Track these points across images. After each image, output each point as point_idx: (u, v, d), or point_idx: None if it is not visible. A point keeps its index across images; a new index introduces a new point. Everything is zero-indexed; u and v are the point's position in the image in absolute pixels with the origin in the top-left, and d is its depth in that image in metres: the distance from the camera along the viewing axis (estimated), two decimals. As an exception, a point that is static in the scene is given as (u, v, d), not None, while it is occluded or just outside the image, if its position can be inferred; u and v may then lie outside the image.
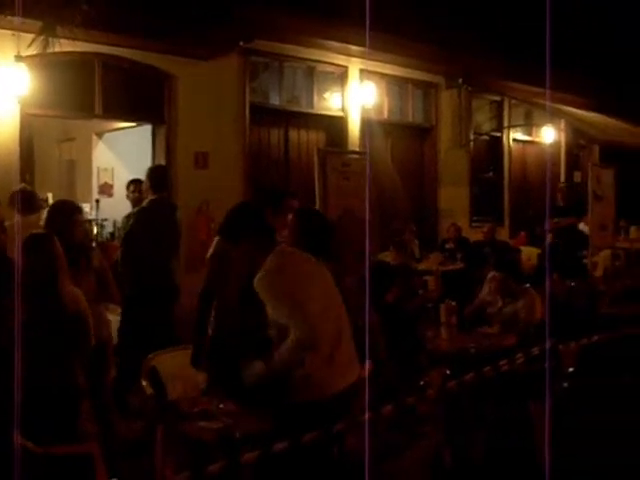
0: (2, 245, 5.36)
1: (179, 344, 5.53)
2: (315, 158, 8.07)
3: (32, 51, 7.62)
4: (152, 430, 4.75)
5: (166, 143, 9.28)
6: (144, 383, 4.99)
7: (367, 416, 3.29)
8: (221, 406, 4.26)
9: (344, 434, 3.70)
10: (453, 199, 12.75)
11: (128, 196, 7.88)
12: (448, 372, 5.28)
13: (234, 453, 3.56)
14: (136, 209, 7.29)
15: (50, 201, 8.80)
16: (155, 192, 7.08)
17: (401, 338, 5.45)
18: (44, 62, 8.14)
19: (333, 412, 3.66)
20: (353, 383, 3.88)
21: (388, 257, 8.29)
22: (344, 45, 10.34)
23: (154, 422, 4.75)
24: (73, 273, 4.72)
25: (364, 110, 11.04)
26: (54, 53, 7.53)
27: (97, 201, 10.50)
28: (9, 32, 7.76)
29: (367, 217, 7.36)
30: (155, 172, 7.40)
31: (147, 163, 9.35)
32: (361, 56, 10.69)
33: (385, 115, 11.76)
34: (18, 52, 7.74)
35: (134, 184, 7.82)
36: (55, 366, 4.30)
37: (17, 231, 5.17)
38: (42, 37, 6.89)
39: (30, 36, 7.37)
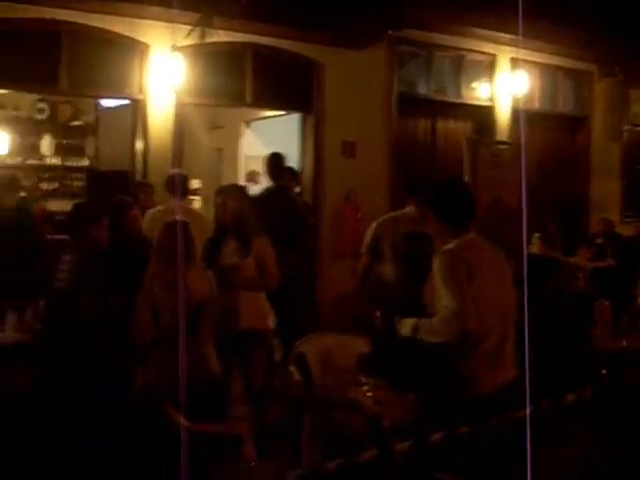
0: (137, 230, 5.57)
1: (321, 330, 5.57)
2: (464, 148, 7.92)
3: (187, 42, 7.86)
4: (299, 416, 4.80)
5: (314, 132, 9.35)
6: (292, 369, 5.03)
7: (528, 411, 3.20)
8: (369, 394, 4.24)
9: (504, 430, 3.60)
10: (604, 192, 12.23)
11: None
12: (604, 372, 5.07)
13: (384, 442, 3.54)
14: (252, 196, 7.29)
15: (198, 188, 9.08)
16: (272, 180, 7.11)
17: (559, 333, 5.27)
18: (198, 52, 8.37)
19: (490, 409, 3.58)
20: (511, 381, 3.79)
21: (532, 249, 8.06)
22: (493, 33, 10.07)
23: (302, 408, 4.80)
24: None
25: (514, 100, 10.75)
26: (208, 43, 7.69)
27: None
28: (165, 24, 8.03)
29: (524, 208, 7.11)
30: (271, 160, 7.41)
31: (295, 151, 9.47)
32: (511, 44, 10.39)
33: (535, 105, 11.41)
34: (174, 43, 7.99)
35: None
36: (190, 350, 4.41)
37: (173, 214, 5.32)
38: (199, 28, 7.05)
39: (185, 27, 7.60)
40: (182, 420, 3.89)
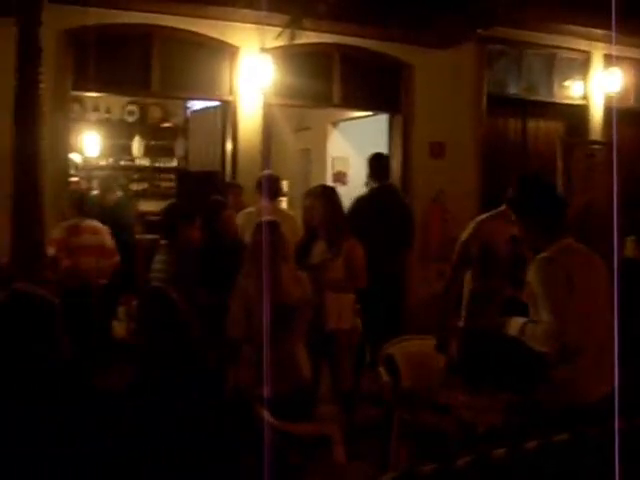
0: (232, 231, 5.60)
1: (408, 332, 5.52)
2: (558, 148, 7.72)
3: (275, 43, 7.92)
4: (388, 417, 4.76)
5: (402, 132, 9.27)
6: (381, 370, 5.01)
7: (616, 425, 3.09)
8: (461, 398, 4.17)
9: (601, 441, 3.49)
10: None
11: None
12: None
13: (478, 448, 3.47)
14: (356, 197, 7.25)
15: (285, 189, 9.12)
16: (377, 180, 7.06)
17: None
18: (286, 53, 8.41)
19: (589, 419, 3.47)
20: (611, 392, 3.66)
21: (627, 252, 7.82)
22: (587, 29, 9.80)
23: (390, 409, 4.76)
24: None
25: (607, 98, 10.44)
26: (295, 45, 7.72)
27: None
28: (254, 26, 8.10)
29: (614, 211, 6.94)
30: (376, 160, 7.35)
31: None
32: (605, 40, 10.10)
33: (630, 102, 11.05)
34: (263, 45, 8.06)
35: None
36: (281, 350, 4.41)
37: (264, 215, 5.35)
38: (288, 30, 7.08)
39: (273, 29, 7.65)
40: (271, 419, 3.90)
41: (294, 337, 4.66)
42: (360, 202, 6.98)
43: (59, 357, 2.88)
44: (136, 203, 10.41)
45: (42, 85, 6.03)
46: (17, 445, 2.64)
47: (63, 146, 7.74)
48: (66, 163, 8.07)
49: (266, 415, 3.92)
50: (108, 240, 7.18)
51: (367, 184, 7.19)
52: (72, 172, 9.49)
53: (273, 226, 4.63)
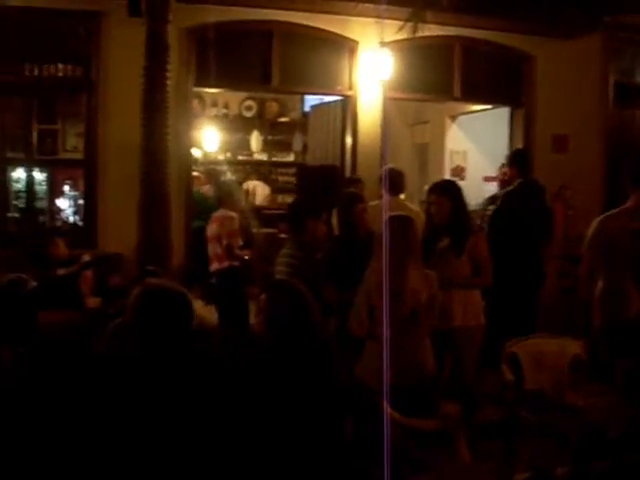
0: (366, 224, 5.56)
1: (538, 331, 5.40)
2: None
3: (395, 36, 7.87)
4: (510, 416, 4.66)
5: (524, 126, 9.08)
6: (504, 368, 4.91)
7: None
8: (591, 400, 4.05)
9: None
10: None
11: (498, 177, 7.84)
12: None
13: (612, 452, 3.35)
14: (503, 191, 7.18)
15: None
16: (522, 176, 6.96)
17: None
18: (406, 47, 8.36)
19: None
20: None
21: None
22: None
23: (513, 409, 4.66)
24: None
25: None
26: (415, 38, 7.65)
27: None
28: (374, 20, 8.07)
29: None
30: (520, 155, 7.27)
31: (501, 146, 9.25)
32: None
33: None
34: (382, 38, 8.02)
35: (508, 166, 7.72)
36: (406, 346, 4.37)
37: (385, 211, 5.31)
38: (410, 23, 7.02)
39: (392, 22, 7.60)
40: (394, 413, 3.87)
41: (419, 333, 4.61)
42: (509, 197, 6.95)
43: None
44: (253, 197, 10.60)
45: (168, 82, 6.21)
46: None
47: (186, 141, 7.93)
48: (189, 158, 8.27)
49: (388, 409, 3.89)
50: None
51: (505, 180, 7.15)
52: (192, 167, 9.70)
53: (405, 221, 4.60)
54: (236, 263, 7.11)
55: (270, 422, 3.04)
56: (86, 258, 6.39)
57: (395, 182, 6.51)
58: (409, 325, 4.46)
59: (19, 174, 9.04)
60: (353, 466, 3.23)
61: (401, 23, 7.28)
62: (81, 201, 9.82)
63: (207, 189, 8.94)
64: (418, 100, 9.73)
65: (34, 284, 3.82)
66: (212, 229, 7.24)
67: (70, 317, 5.11)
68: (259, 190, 11.48)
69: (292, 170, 12.24)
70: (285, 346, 3.30)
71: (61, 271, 6.06)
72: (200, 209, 8.28)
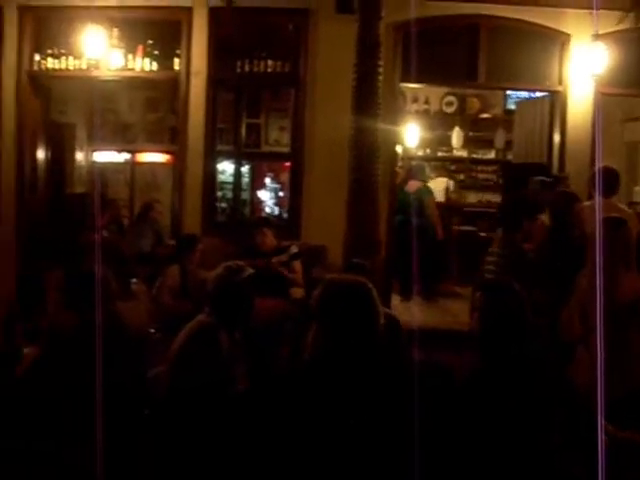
0: (581, 225, 5.33)
1: None
2: None
3: (610, 28, 7.51)
4: None
5: None
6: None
7: None
8: None
9: None
10: None
11: None
12: None
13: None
14: None
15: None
16: None
17: None
18: (621, 39, 7.95)
19: None
20: None
21: None
22: None
23: None
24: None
25: None
26: (632, 29, 7.29)
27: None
28: (587, 11, 7.74)
29: None
30: None
31: None
32: None
33: None
34: (596, 30, 7.68)
35: None
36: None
37: (598, 212, 5.09)
38: (630, 13, 6.67)
39: (607, 13, 7.26)
40: (608, 426, 3.69)
41: (630, 340, 4.38)
42: None
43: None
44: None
45: (380, 78, 6.26)
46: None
47: (392, 137, 7.97)
48: (394, 154, 8.33)
49: (602, 421, 3.72)
50: None
51: None
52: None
53: (619, 224, 4.38)
54: None
55: (490, 427, 3.00)
56: (294, 249, 6.57)
57: (610, 182, 6.17)
58: (619, 330, 4.25)
59: (224, 166, 9.49)
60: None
61: (616, 14, 6.95)
62: (281, 193, 10.15)
63: (410, 185, 8.95)
64: (633, 96, 9.21)
65: (250, 271, 3.94)
66: None
67: (280, 306, 5.28)
68: (444, 187, 11.41)
69: (492, 167, 12.02)
70: (499, 345, 3.25)
71: (272, 260, 6.27)
72: (401, 204, 8.33)
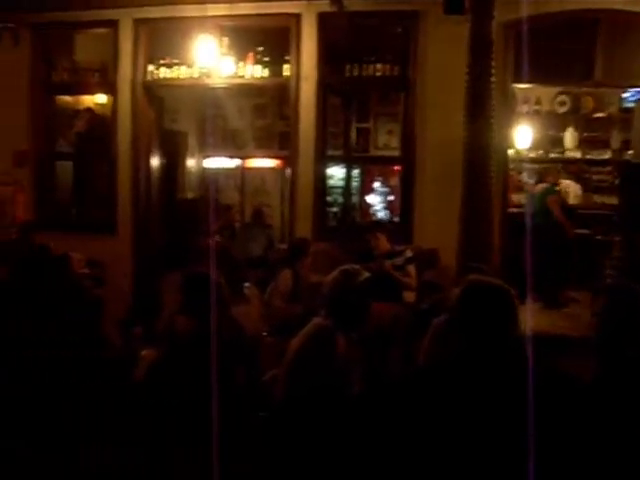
0: None
1: None
2: None
3: None
4: None
5: None
6: None
7: None
8: None
9: None
10: None
11: None
12: None
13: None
14: None
15: None
16: None
17: None
18: None
19: None
20: None
21: None
22: None
23: None
24: None
25: None
26: None
27: None
28: None
29: None
30: None
31: None
32: None
33: None
34: None
35: None
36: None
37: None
38: None
39: None
40: None
41: None
42: None
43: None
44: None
45: (493, 78, 6.13)
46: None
47: (504, 139, 7.80)
48: (506, 156, 8.14)
49: None
50: None
51: None
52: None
53: None
54: None
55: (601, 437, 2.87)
56: (409, 253, 6.52)
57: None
58: None
59: (334, 171, 9.52)
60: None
61: None
62: (391, 197, 10.09)
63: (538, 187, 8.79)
64: None
65: (367, 275, 3.91)
66: None
67: (392, 309, 5.23)
68: (572, 189, 11.03)
69: (608, 168, 11.59)
70: (619, 349, 3.12)
71: (387, 264, 6.24)
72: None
